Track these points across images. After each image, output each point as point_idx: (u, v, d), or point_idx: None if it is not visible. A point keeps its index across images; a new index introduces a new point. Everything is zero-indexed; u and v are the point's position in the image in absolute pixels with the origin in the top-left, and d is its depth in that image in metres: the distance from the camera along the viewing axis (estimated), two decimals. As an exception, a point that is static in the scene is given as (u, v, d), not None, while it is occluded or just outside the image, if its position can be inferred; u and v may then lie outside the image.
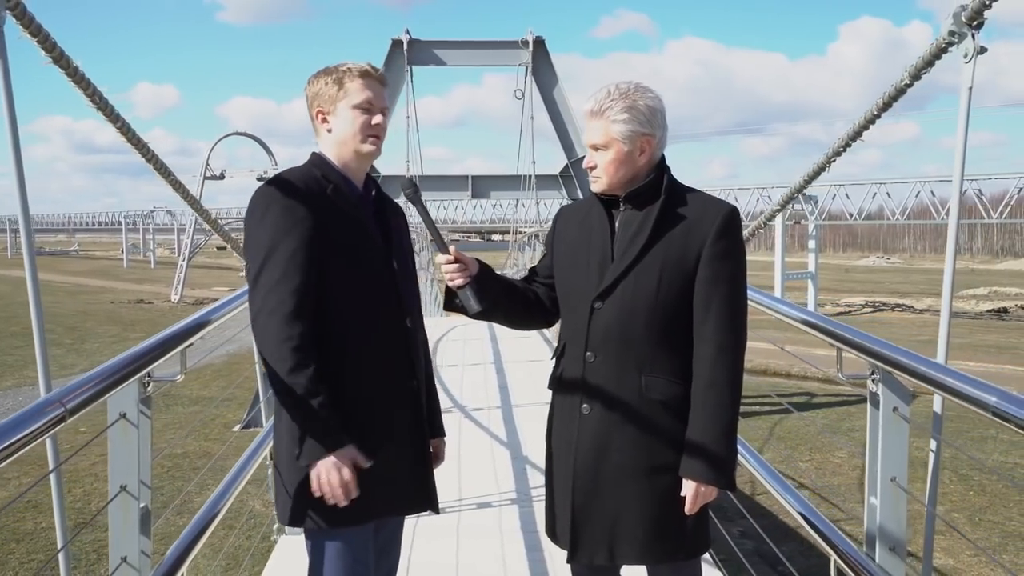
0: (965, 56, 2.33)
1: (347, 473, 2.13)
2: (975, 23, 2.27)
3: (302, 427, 2.13)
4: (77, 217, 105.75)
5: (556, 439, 2.41)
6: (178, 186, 3.29)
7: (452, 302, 2.37)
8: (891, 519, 2.23)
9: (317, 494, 2.14)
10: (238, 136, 47.78)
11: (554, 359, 2.45)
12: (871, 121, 2.98)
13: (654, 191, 2.29)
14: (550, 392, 2.44)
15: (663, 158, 2.36)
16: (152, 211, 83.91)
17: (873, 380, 2.41)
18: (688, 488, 2.22)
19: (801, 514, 2.68)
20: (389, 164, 20.23)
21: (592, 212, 2.39)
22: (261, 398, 7.09)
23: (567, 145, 19.23)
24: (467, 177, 22.66)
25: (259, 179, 43.06)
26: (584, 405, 2.31)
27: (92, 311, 34.07)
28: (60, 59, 2.48)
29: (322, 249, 2.20)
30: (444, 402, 7.47)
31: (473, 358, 10.01)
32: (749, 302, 3.34)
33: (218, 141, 46.91)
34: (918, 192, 40.80)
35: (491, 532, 4.36)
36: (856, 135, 3.09)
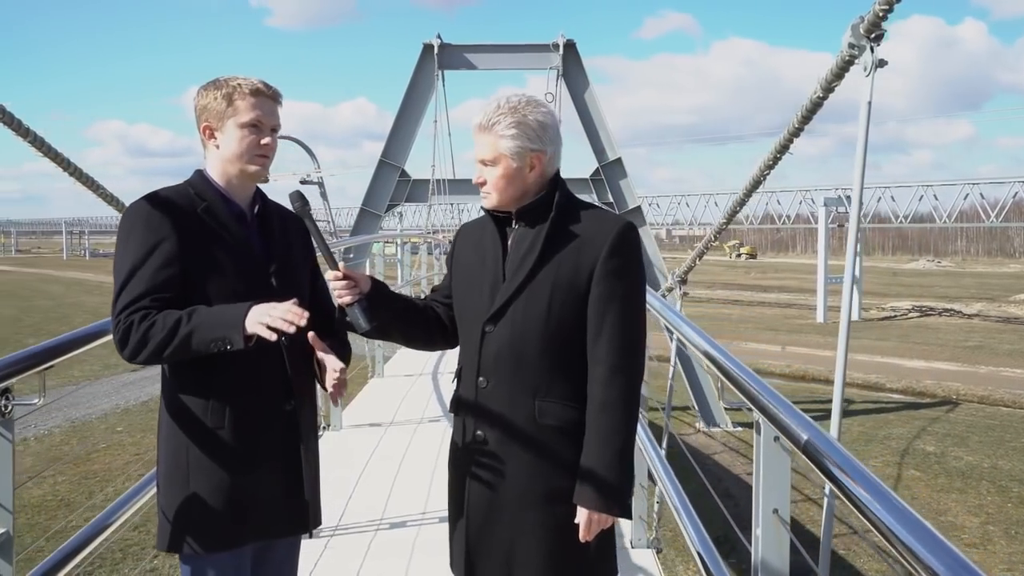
0: (865, 69, 2.20)
1: (282, 304, 2.06)
2: (873, 35, 2.15)
3: (208, 339, 2.07)
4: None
5: (453, 466, 2.35)
6: (112, 199, 3.30)
7: (342, 319, 2.33)
8: (773, 554, 2.12)
9: (280, 324, 2.03)
10: (282, 140, 48.35)
11: (455, 382, 2.40)
12: (794, 134, 2.88)
13: (546, 208, 2.22)
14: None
15: (558, 173, 2.29)
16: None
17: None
18: (581, 515, 2.14)
19: (698, 552, 2.58)
20: (419, 168, 20.27)
21: (485, 231, 2.33)
22: (319, 399, 7.21)
23: (598, 149, 19.15)
24: (496, 181, 22.58)
25: (302, 182, 43.59)
26: (478, 431, 2.23)
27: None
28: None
29: (189, 268, 2.16)
30: (435, 411, 7.50)
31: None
32: (663, 323, 3.26)
33: (262, 145, 47.50)
34: (967, 195, 39.74)
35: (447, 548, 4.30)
36: (784, 148, 2.99)
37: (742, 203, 3.66)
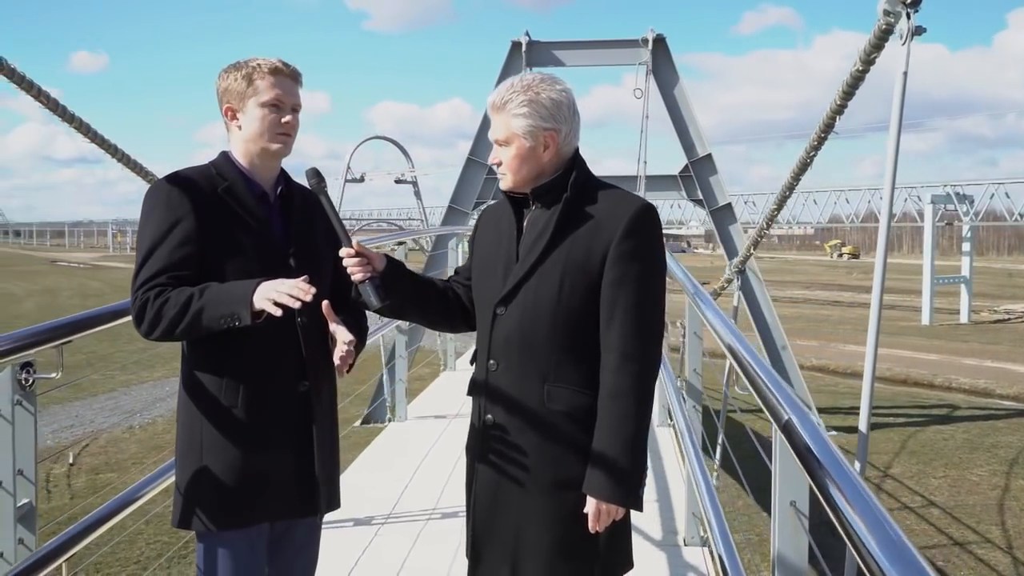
0: (901, 38, 2.03)
1: (288, 280, 2.07)
2: (909, 1, 1.97)
3: (217, 315, 2.09)
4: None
5: (468, 451, 2.32)
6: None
7: (357, 297, 2.31)
8: (790, 546, 2.00)
9: (286, 300, 2.04)
10: (379, 140, 49.14)
11: (472, 364, 2.36)
12: (837, 112, 2.71)
13: (562, 188, 2.15)
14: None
15: (576, 152, 2.22)
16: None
17: (773, 395, 2.17)
18: (590, 505, 2.07)
19: (719, 554, 2.47)
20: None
21: (504, 212, 2.29)
22: (385, 391, 7.32)
23: (687, 144, 18.76)
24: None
25: (397, 181, 44.42)
26: (488, 415, 2.19)
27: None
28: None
29: (207, 248, 2.18)
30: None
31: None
32: (696, 309, 3.12)
33: (358, 146, 48.16)
34: (1090, 190, 37.34)
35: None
36: (828, 127, 2.82)
37: (791, 187, 3.49)
